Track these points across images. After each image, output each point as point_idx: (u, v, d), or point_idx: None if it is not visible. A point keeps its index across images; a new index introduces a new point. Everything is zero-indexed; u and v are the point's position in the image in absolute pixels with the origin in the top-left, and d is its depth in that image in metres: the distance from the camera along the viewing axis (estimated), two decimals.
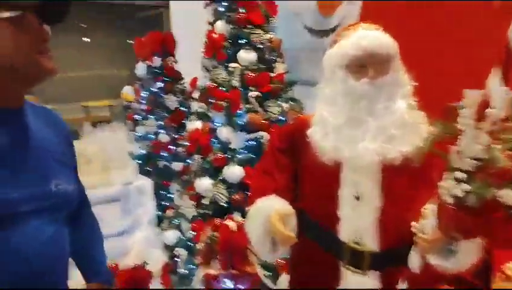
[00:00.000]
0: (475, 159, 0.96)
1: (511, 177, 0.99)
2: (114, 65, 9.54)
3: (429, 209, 1.14)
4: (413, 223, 1.18)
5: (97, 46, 9.83)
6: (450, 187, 0.99)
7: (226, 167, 2.49)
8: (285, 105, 2.62)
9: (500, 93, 0.94)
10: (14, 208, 0.83)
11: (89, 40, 9.56)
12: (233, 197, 2.45)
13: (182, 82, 3.72)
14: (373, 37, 1.28)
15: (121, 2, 8.54)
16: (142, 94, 3.74)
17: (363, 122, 1.26)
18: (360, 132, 1.26)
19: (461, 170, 0.97)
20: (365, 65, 1.27)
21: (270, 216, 1.26)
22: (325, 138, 1.30)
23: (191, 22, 3.18)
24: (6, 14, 0.80)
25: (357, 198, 1.27)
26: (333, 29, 2.98)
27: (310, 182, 1.39)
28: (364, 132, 1.26)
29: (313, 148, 1.32)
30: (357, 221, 1.28)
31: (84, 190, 1.23)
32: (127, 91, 4.01)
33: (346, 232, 1.30)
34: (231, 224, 1.90)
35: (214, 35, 2.61)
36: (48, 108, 1.07)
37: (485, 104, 0.96)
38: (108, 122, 6.86)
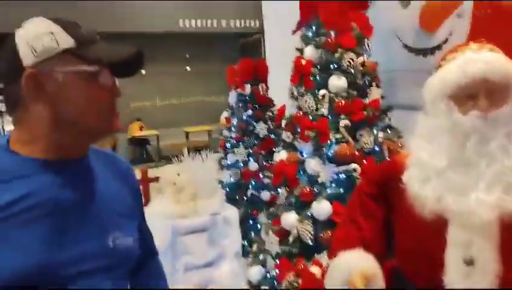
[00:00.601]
0: None
1: None
2: (213, 92, 9.96)
3: None
4: None
5: (198, 74, 10.40)
6: None
7: (313, 202, 2.30)
8: (380, 134, 2.36)
9: None
10: (67, 270, 0.77)
11: (190, 69, 10.14)
12: (320, 235, 2.24)
13: (272, 109, 3.65)
14: (484, 61, 1.05)
15: (220, 31, 8.94)
16: (233, 122, 3.74)
17: (474, 166, 1.02)
18: (471, 178, 1.02)
19: None
20: (475, 95, 1.04)
21: (352, 276, 1.06)
22: (424, 185, 1.08)
23: (284, 48, 3.10)
24: (84, 68, 0.78)
25: (469, 263, 1.01)
26: (438, 47, 2.65)
27: (406, 238, 1.16)
28: (476, 179, 1.01)
29: (410, 196, 1.09)
30: None
31: (152, 237, 1.15)
32: (225, 117, 4.06)
33: None
34: (316, 270, 1.69)
35: (302, 61, 2.48)
36: (117, 155, 1.02)
37: None
38: (207, 147, 7.11)
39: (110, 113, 0.84)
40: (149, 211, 3.10)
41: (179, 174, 3.03)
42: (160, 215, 2.87)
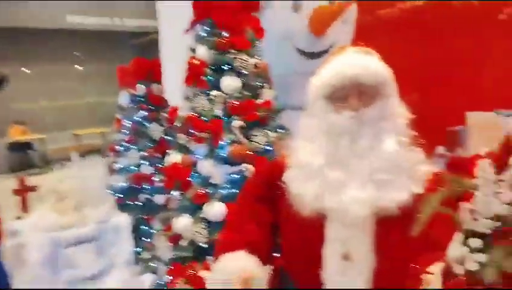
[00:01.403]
0: (494, 220, 0.72)
1: None
2: (107, 92, 9.42)
3: (433, 275, 0.89)
4: None
5: (90, 74, 9.75)
6: (462, 256, 0.75)
7: (206, 204, 2.25)
8: (272, 134, 2.40)
9: None
10: None
11: (81, 68, 9.48)
12: (214, 237, 2.19)
13: (167, 111, 3.52)
14: (357, 63, 1.09)
15: (113, 29, 8.49)
16: (124, 124, 3.54)
17: (347, 165, 1.05)
18: (345, 177, 1.05)
19: (476, 234, 0.74)
20: (348, 96, 1.08)
21: (231, 281, 1.03)
22: (304, 184, 1.08)
23: (180, 48, 3.00)
24: None
25: (346, 258, 1.04)
26: (326, 51, 2.79)
27: (289, 237, 1.16)
28: (350, 177, 1.04)
29: (291, 196, 1.09)
30: (345, 286, 1.04)
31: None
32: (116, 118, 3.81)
33: None
34: (206, 274, 1.64)
35: (195, 62, 2.42)
36: None
37: (508, 148, 0.73)
38: (100, 151, 6.66)
39: None
40: (27, 223, 2.80)
41: (61, 182, 2.77)
42: (39, 227, 2.60)
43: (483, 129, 2.26)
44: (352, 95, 1.08)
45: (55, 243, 2.55)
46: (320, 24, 2.65)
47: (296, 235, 1.12)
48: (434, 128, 2.14)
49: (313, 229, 1.07)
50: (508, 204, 0.72)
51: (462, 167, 0.94)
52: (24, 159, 8.84)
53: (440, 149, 2.65)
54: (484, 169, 0.73)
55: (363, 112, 1.07)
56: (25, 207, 3.28)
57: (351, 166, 1.05)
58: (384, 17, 2.30)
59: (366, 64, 1.09)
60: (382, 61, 1.15)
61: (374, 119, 1.07)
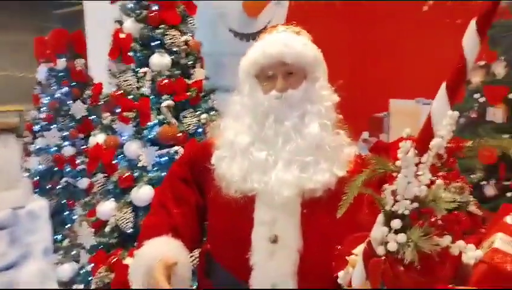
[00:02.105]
0: (413, 201, 0.73)
1: (456, 223, 0.79)
2: (24, 66, 8.67)
3: (356, 255, 0.90)
4: (339, 273, 0.94)
5: (3, 45, 8.91)
6: (382, 237, 0.76)
7: (134, 188, 2.14)
8: (203, 116, 2.32)
9: (448, 118, 0.72)
10: None
11: None
12: (140, 223, 2.09)
13: (91, 88, 3.29)
14: (282, 42, 1.07)
15: None
16: (43, 101, 3.26)
17: (273, 145, 1.04)
18: (271, 157, 1.03)
19: (396, 215, 0.75)
20: (275, 75, 1.07)
21: (153, 267, 0.98)
22: (231, 165, 1.05)
23: (106, 20, 2.79)
24: None
25: (273, 241, 1.02)
26: (259, 32, 2.74)
27: (217, 220, 1.12)
28: (275, 158, 1.03)
29: (218, 177, 1.05)
30: (273, 269, 1.03)
31: None
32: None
33: (259, 282, 1.04)
34: (130, 261, 1.55)
35: (121, 35, 2.26)
36: None
37: (427, 132, 0.74)
38: (17, 129, 6.13)
39: None
40: None
41: None
42: None
43: (404, 116, 2.37)
44: (278, 75, 1.06)
45: None
46: (254, 5, 2.60)
47: (224, 218, 1.10)
48: (359, 114, 2.21)
49: (241, 212, 1.04)
50: (427, 186, 0.74)
51: (385, 150, 0.95)
52: None
53: (364, 135, 2.75)
54: (406, 150, 0.73)
55: (289, 94, 1.05)
56: None
57: (276, 147, 1.04)
58: (316, 2, 2.31)
59: (291, 43, 1.08)
60: (312, 43, 1.14)
61: (299, 101, 1.06)
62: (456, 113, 0.74)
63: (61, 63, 3.20)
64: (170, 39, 2.26)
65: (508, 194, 1.86)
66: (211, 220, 1.14)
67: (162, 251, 1.01)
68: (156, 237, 1.06)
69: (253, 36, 2.71)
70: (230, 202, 1.04)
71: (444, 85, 0.77)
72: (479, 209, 1.08)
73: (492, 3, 0.72)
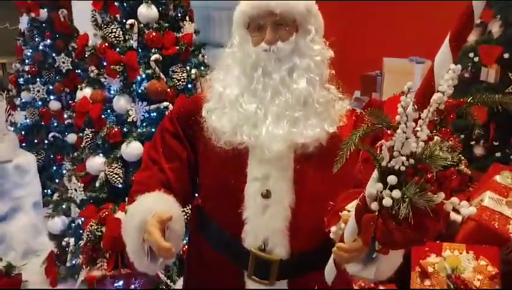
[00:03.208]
0: (410, 157, 0.73)
1: (450, 180, 0.79)
2: (4, 16, 8.32)
3: (349, 211, 0.90)
4: (331, 228, 0.95)
5: None
6: (377, 192, 0.76)
7: (122, 144, 2.12)
8: (193, 71, 2.27)
9: (451, 71, 0.70)
10: None
11: None
12: (131, 178, 2.09)
13: (76, 40, 3.18)
14: None
15: None
16: (26, 53, 3.15)
17: (261, 99, 1.01)
18: (260, 111, 1.01)
19: (391, 171, 0.74)
20: (264, 27, 1.02)
21: (146, 221, 0.97)
22: (221, 117, 1.04)
23: None
24: None
25: (266, 196, 1.01)
26: None
27: (208, 175, 1.11)
28: (265, 112, 1.01)
29: (209, 130, 1.03)
30: (265, 224, 1.03)
31: None
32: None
33: (251, 237, 1.04)
34: (122, 216, 1.56)
35: None
36: None
37: (428, 86, 0.72)
38: (0, 82, 5.97)
39: None
40: None
41: None
42: None
43: (397, 75, 2.35)
44: (267, 26, 1.02)
45: None
46: None
47: (215, 173, 1.08)
48: (352, 72, 2.19)
49: (233, 167, 1.03)
50: (424, 142, 0.74)
51: (379, 108, 0.94)
52: None
53: (356, 94, 2.73)
54: (405, 105, 0.72)
55: (278, 46, 1.02)
56: None
57: (265, 100, 1.01)
58: None
59: None
60: None
61: (288, 54, 1.03)
62: (459, 66, 0.73)
63: (44, 13, 3.07)
64: None
65: (497, 154, 1.89)
66: (203, 175, 1.13)
67: (156, 206, 1.00)
68: (148, 192, 1.05)
69: None
70: (222, 157, 1.02)
71: (447, 38, 0.74)
72: (468, 169, 1.10)
73: None
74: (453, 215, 1.31)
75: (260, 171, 1.02)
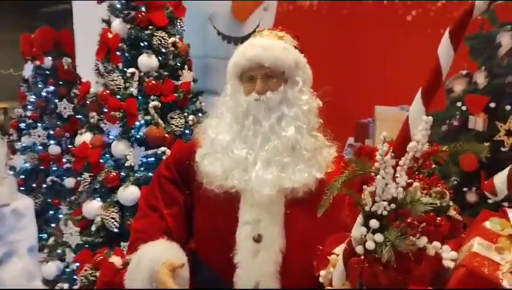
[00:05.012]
0: (391, 202, 0.77)
1: (433, 224, 0.82)
2: (10, 64, 8.56)
3: (337, 255, 0.93)
4: (320, 272, 0.97)
5: None
6: (361, 236, 0.80)
7: (120, 188, 2.15)
8: (190, 117, 2.34)
9: (423, 123, 0.76)
10: None
11: None
12: (127, 222, 2.11)
13: (78, 87, 3.29)
14: (262, 46, 1.11)
15: None
16: (29, 99, 3.24)
17: (252, 145, 1.08)
18: (251, 156, 1.07)
19: (374, 215, 0.78)
20: (255, 78, 1.11)
21: (157, 271, 1.00)
22: (213, 162, 1.09)
23: (94, 19, 2.79)
24: None
25: (257, 240, 1.05)
26: (247, 36, 2.78)
27: (202, 219, 1.15)
28: (255, 157, 1.07)
29: (202, 175, 1.08)
30: (257, 268, 1.06)
31: None
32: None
33: (243, 281, 1.07)
34: (116, 260, 1.56)
35: (109, 35, 2.27)
36: None
37: (405, 136, 0.77)
38: (2, 127, 6.06)
39: None
40: None
41: None
42: None
43: (389, 122, 2.43)
44: (258, 77, 1.10)
45: None
46: (242, 9, 2.63)
47: (209, 217, 1.12)
48: (346, 120, 2.26)
49: (225, 211, 1.07)
50: (404, 188, 0.78)
51: (369, 154, 0.99)
52: None
53: (350, 140, 2.80)
54: (383, 153, 0.77)
55: (267, 96, 1.09)
56: None
57: (255, 146, 1.07)
58: (304, 9, 2.35)
59: (270, 47, 1.11)
60: (296, 49, 1.17)
61: (277, 103, 1.09)
62: (430, 118, 0.79)
63: (48, 61, 3.19)
64: (158, 40, 2.28)
65: (489, 201, 1.92)
66: (197, 219, 1.16)
67: (164, 254, 1.03)
68: (150, 240, 1.08)
69: (241, 40, 2.73)
70: (214, 201, 1.06)
71: (419, 91, 0.81)
72: (460, 215, 1.13)
73: (465, 14, 0.77)
74: (446, 262, 1.33)
75: (251, 216, 1.05)
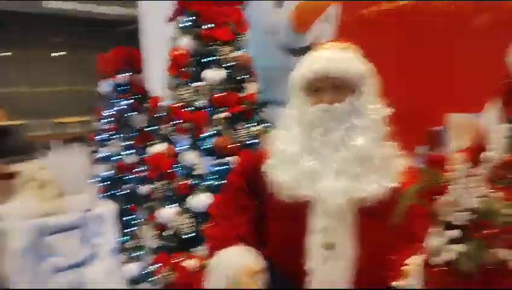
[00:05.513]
0: (470, 213, 0.77)
1: None
2: (87, 81, 9.25)
3: (412, 266, 0.94)
4: (394, 283, 0.99)
5: (72, 61, 9.56)
6: (439, 247, 0.80)
7: (190, 195, 2.29)
8: (256, 127, 2.44)
9: (499, 131, 0.76)
10: None
11: (62, 53, 9.30)
12: (199, 228, 2.24)
13: (149, 101, 3.52)
14: (328, 58, 1.14)
15: (96, 17, 8.33)
16: (105, 113, 3.53)
17: (321, 155, 1.10)
18: (321, 166, 1.10)
19: (453, 226, 0.79)
20: (322, 89, 1.14)
21: (237, 275, 1.06)
22: (282, 172, 1.13)
23: (160, 37, 3.00)
24: None
25: (328, 247, 1.08)
26: (308, 48, 2.83)
27: (273, 227, 1.20)
28: (325, 167, 1.09)
29: (271, 185, 1.14)
30: (328, 275, 1.09)
31: None
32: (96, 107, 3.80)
33: (314, 288, 1.10)
34: (191, 263, 1.68)
35: (179, 52, 2.43)
36: None
37: (480, 145, 0.79)
38: (81, 140, 6.56)
39: None
40: (7, 210, 2.78)
41: (42, 169, 2.75)
42: (20, 214, 2.59)
43: (462, 130, 2.33)
44: (326, 88, 1.12)
45: (38, 230, 2.55)
46: (302, 21, 2.69)
47: (279, 225, 1.16)
48: (417, 128, 2.20)
49: (295, 219, 1.10)
50: (480, 198, 0.77)
51: (439, 163, 1.00)
52: (4, 145, 8.63)
53: (421, 149, 2.72)
54: (458, 163, 0.78)
55: (336, 107, 1.11)
56: (5, 194, 3.25)
57: (324, 157, 1.09)
58: (366, 17, 2.34)
59: (336, 58, 1.14)
60: (361, 59, 1.19)
61: (345, 114, 1.11)
62: (507, 126, 0.78)
63: (122, 78, 3.45)
64: (223, 55, 2.41)
65: None
66: (268, 227, 1.20)
67: (243, 259, 1.08)
68: (226, 246, 1.12)
69: (302, 51, 2.79)
70: (284, 210, 1.10)
71: (496, 98, 0.81)
72: None
73: None
74: None
75: (322, 224, 1.08)
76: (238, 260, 1.09)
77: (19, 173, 3.04)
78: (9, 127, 8.74)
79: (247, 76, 2.48)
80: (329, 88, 1.12)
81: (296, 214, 1.11)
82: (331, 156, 1.09)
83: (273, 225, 1.19)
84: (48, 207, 2.65)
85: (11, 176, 3.23)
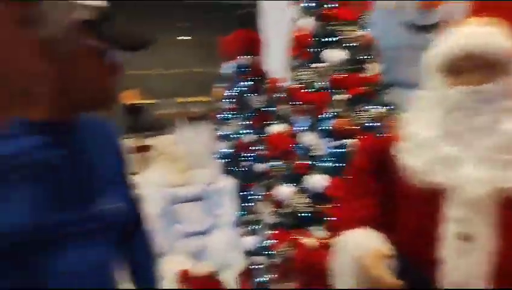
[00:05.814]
0: None
1: None
2: (210, 63, 9.80)
3: None
4: None
5: (194, 44, 10.24)
6: None
7: (308, 175, 2.33)
8: (378, 110, 2.36)
9: None
10: (55, 232, 0.78)
11: (187, 38, 10.01)
12: (315, 208, 2.28)
13: (267, 82, 3.63)
14: (475, 35, 1.02)
15: (215, 0, 8.77)
16: (227, 93, 3.72)
17: (463, 140, 1.02)
18: (461, 152, 1.01)
19: None
20: (467, 69, 1.03)
21: (365, 257, 1.03)
22: (415, 157, 1.07)
23: (279, 19, 3.06)
24: (96, 44, 0.80)
25: (465, 239, 1.01)
26: (436, 25, 2.63)
27: (404, 213, 1.15)
28: (466, 154, 1.01)
29: (403, 169, 1.09)
30: (465, 268, 1.01)
31: (138, 205, 1.15)
32: (219, 88, 4.04)
33: (449, 281, 1.04)
34: (310, 241, 1.73)
35: (301, 33, 2.45)
36: (105, 121, 1.01)
37: None
38: (203, 118, 7.04)
39: (109, 90, 0.85)
40: (143, 180, 3.12)
41: (173, 144, 3.03)
42: (154, 183, 2.89)
43: None
44: (468, 68, 1.03)
45: (169, 198, 2.84)
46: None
47: (411, 211, 1.11)
48: None
49: (429, 206, 1.05)
50: None
51: None
52: (137, 121, 9.65)
53: None
54: None
55: (482, 88, 1.01)
56: (141, 164, 3.65)
57: (466, 142, 1.01)
58: None
59: (485, 35, 1.03)
60: (507, 35, 1.07)
61: (494, 96, 1.01)
62: None
63: (243, 59, 3.60)
64: (345, 35, 2.37)
65: None
66: (398, 212, 1.15)
67: (371, 242, 1.05)
68: (353, 228, 1.10)
69: (428, 29, 2.61)
70: (416, 195, 1.05)
71: None
72: None
73: None
74: None
75: (458, 213, 1.01)
76: (367, 242, 1.07)
77: (153, 146, 3.39)
78: (143, 105, 9.73)
79: (370, 56, 2.41)
80: (474, 68, 1.03)
81: (430, 201, 1.05)
82: (475, 141, 1.01)
83: (404, 210, 1.15)
84: (178, 179, 2.91)
85: (146, 148, 3.62)
